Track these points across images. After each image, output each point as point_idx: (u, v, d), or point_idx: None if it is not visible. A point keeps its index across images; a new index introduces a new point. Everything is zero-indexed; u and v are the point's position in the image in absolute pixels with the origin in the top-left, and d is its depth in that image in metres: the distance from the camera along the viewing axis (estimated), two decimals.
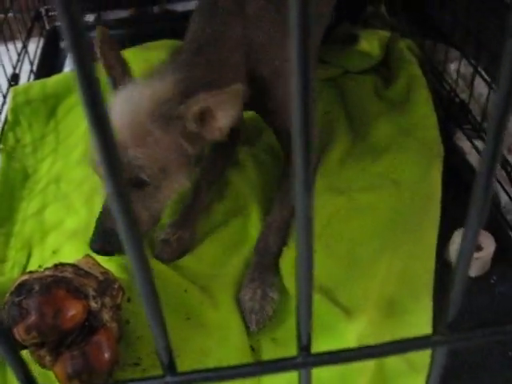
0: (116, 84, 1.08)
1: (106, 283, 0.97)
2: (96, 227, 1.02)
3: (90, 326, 0.92)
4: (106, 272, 0.99)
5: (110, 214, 0.96)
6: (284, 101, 1.16)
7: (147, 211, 1.04)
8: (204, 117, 1.00)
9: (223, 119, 1.01)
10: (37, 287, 0.91)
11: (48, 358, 0.91)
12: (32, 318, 0.88)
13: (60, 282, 0.91)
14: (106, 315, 0.94)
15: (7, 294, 0.93)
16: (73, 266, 0.97)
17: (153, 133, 0.99)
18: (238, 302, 1.07)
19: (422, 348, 0.33)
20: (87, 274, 0.96)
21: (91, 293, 0.93)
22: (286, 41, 1.14)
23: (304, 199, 0.28)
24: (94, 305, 0.92)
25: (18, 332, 0.88)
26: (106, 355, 0.91)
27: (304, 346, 0.32)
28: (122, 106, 1.01)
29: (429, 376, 0.35)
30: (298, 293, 0.30)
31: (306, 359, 0.32)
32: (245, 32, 1.13)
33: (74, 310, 0.90)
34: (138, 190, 1.01)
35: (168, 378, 0.32)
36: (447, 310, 0.32)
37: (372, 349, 0.32)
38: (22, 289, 0.92)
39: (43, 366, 0.93)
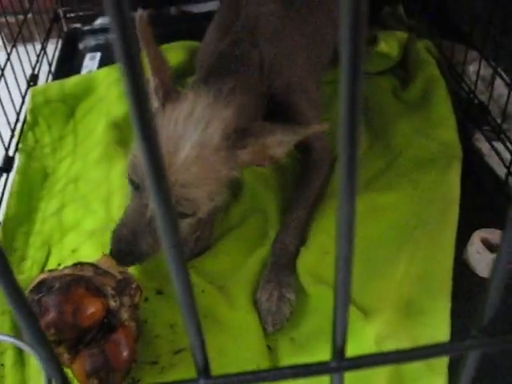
0: (160, 91, 1.00)
1: (125, 282, 0.97)
2: (115, 237, 1.01)
3: (108, 324, 0.92)
4: (124, 271, 1.00)
5: (130, 224, 0.98)
6: (303, 114, 1.19)
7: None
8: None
9: (279, 150, 0.99)
10: (57, 285, 0.91)
11: (66, 356, 0.92)
12: (51, 316, 0.89)
13: (79, 281, 0.92)
14: (125, 314, 0.94)
15: (27, 292, 0.93)
16: (92, 265, 0.98)
17: (218, 170, 0.96)
18: (255, 303, 1.07)
19: (455, 352, 0.33)
20: (106, 273, 0.96)
21: (110, 292, 0.94)
22: (299, 58, 1.16)
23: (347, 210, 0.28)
24: (112, 303, 0.93)
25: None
26: (125, 353, 0.92)
27: (339, 351, 0.32)
28: (188, 136, 0.94)
29: (460, 380, 0.35)
30: (335, 298, 0.30)
31: (340, 363, 0.32)
32: (260, 51, 1.14)
33: (92, 308, 0.90)
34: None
35: (202, 382, 0.32)
36: (482, 314, 0.32)
37: (407, 353, 0.32)
38: (42, 286, 0.93)
39: (61, 363, 0.93)
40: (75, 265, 0.98)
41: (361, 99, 0.26)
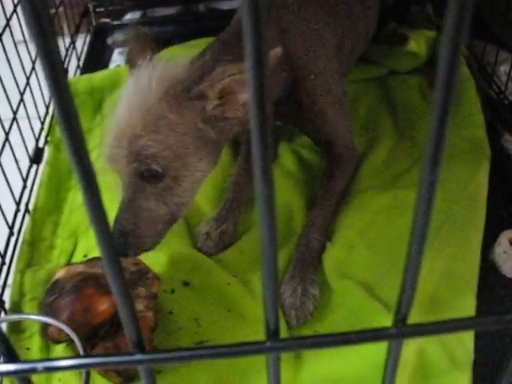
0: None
1: (139, 274, 0.99)
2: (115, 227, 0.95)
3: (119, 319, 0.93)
4: (137, 263, 1.00)
5: (126, 215, 0.94)
6: (328, 111, 1.17)
7: (166, 207, 0.96)
8: (223, 94, 0.92)
9: (244, 91, 0.92)
10: (68, 286, 0.95)
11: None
12: (63, 316, 0.92)
13: (89, 280, 0.94)
14: (140, 305, 0.96)
15: (43, 293, 0.97)
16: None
17: (166, 117, 0.91)
18: (279, 298, 1.08)
19: None
20: None
21: None
22: (321, 50, 1.11)
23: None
24: None
25: (51, 331, 0.92)
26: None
27: (402, 318, 0.33)
28: (130, 90, 0.93)
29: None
30: (407, 264, 0.31)
31: (401, 330, 0.33)
32: (282, 37, 1.08)
33: (102, 306, 0.92)
34: (154, 185, 0.93)
35: (268, 344, 0.33)
36: None
37: (468, 321, 0.33)
38: (55, 288, 0.96)
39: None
40: (89, 260, 1.01)
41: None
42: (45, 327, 0.93)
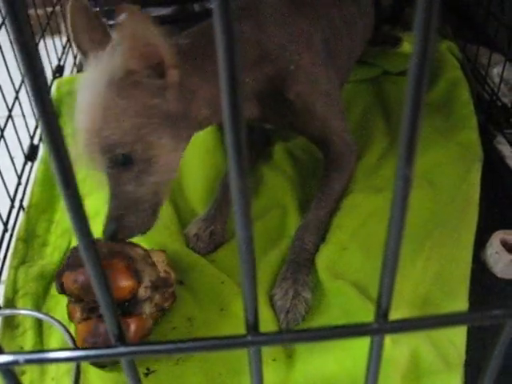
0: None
1: (164, 282, 0.99)
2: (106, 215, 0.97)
3: (127, 307, 0.94)
4: (169, 273, 1.01)
5: (118, 202, 0.96)
6: (315, 106, 1.15)
7: (146, 188, 0.97)
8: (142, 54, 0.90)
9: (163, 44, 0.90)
10: (104, 250, 0.95)
11: (78, 315, 0.94)
12: (82, 272, 0.92)
13: (125, 257, 0.95)
14: (148, 309, 0.96)
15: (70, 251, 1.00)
16: (145, 250, 1.00)
17: (117, 104, 0.91)
18: (271, 300, 1.07)
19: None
20: (152, 266, 0.98)
21: (146, 282, 0.95)
22: (301, 45, 1.08)
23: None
24: (142, 293, 0.94)
25: (66, 278, 0.93)
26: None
27: (383, 313, 0.33)
28: (82, 84, 0.95)
29: (494, 349, 0.36)
30: (385, 260, 0.31)
31: (383, 325, 0.33)
32: (258, 34, 1.06)
33: (122, 284, 0.92)
34: (129, 170, 0.94)
35: (250, 338, 0.33)
36: None
37: (451, 317, 0.33)
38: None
39: (71, 318, 0.96)
40: (130, 242, 1.01)
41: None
42: (63, 271, 0.93)
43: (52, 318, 0.91)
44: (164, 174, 0.98)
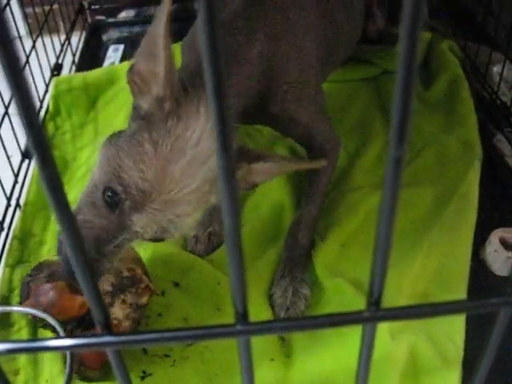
0: (168, 103, 0.82)
1: (132, 281, 0.96)
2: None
3: (89, 320, 0.92)
4: (133, 269, 0.98)
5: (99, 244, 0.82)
6: (300, 117, 1.10)
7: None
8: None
9: (261, 178, 0.90)
10: (46, 271, 0.94)
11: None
12: (28, 301, 0.93)
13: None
14: (120, 312, 0.93)
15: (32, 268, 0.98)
16: None
17: (207, 202, 0.86)
18: (270, 298, 1.07)
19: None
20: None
21: (104, 288, 0.93)
22: (300, 57, 1.03)
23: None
24: None
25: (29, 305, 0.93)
26: (95, 359, 0.91)
27: (374, 301, 0.32)
28: (195, 162, 0.81)
29: (491, 338, 0.35)
30: (376, 246, 0.31)
31: (375, 313, 0.33)
32: (263, 53, 0.99)
33: (67, 304, 0.91)
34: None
35: (239, 327, 0.32)
36: None
37: (441, 306, 0.32)
38: (37, 269, 0.96)
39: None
40: None
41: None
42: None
43: (45, 313, 0.90)
44: None
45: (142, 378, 0.95)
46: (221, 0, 1.03)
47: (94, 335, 0.34)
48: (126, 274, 0.97)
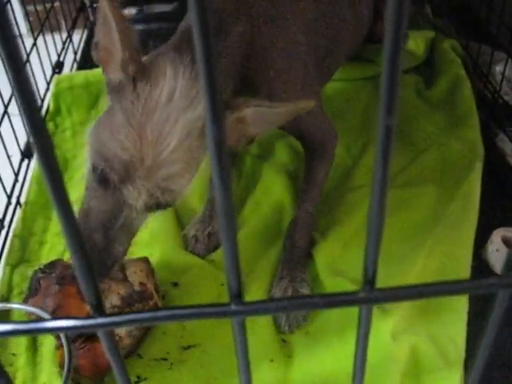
0: (131, 66, 0.82)
1: (140, 296, 0.95)
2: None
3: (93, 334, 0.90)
4: (145, 284, 0.96)
5: (103, 229, 0.83)
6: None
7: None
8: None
9: (255, 129, 0.87)
10: (58, 272, 0.93)
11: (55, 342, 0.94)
12: (36, 299, 0.92)
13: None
14: (123, 329, 0.92)
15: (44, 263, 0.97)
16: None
17: (199, 156, 0.84)
18: None
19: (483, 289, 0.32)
20: (122, 280, 0.95)
21: (113, 301, 0.92)
22: (288, 47, 1.00)
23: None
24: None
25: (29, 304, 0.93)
26: (94, 366, 0.91)
27: (369, 281, 0.32)
28: (170, 117, 0.81)
29: (488, 322, 0.34)
30: (369, 226, 0.30)
31: (370, 294, 0.32)
32: (246, 34, 0.98)
33: (74, 312, 0.89)
34: (152, 210, 0.86)
35: (233, 307, 0.32)
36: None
37: (438, 286, 0.32)
38: (50, 267, 0.95)
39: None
40: None
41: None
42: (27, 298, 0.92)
43: (42, 310, 0.89)
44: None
45: (136, 383, 0.94)
46: None
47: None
48: (137, 288, 0.95)
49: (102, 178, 0.82)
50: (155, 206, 0.84)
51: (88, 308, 0.85)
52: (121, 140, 0.79)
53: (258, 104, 0.83)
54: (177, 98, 0.81)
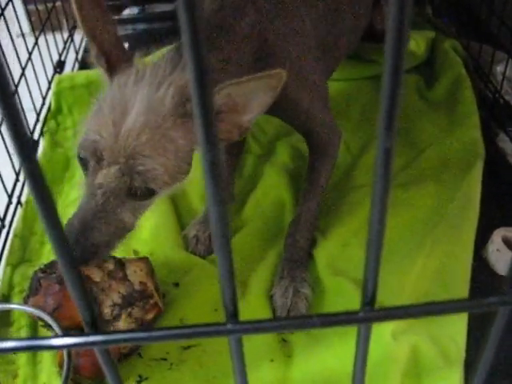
0: (102, 57, 0.88)
1: (141, 295, 0.95)
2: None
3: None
4: (145, 284, 0.96)
5: (97, 223, 0.85)
6: (301, 101, 1.09)
7: (136, 219, 0.90)
8: (222, 110, 0.85)
9: (245, 116, 0.86)
10: (58, 272, 0.93)
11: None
12: (35, 298, 0.91)
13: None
14: (124, 326, 0.92)
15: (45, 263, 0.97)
16: (119, 261, 0.97)
17: (172, 139, 0.84)
18: (270, 300, 1.06)
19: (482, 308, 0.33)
20: (122, 279, 0.95)
21: (114, 299, 0.92)
22: (298, 38, 1.01)
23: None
24: (108, 312, 0.91)
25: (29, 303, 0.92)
26: (91, 369, 0.91)
27: (368, 301, 0.32)
28: (136, 100, 0.83)
29: (488, 337, 0.35)
30: (368, 250, 0.30)
31: (369, 314, 0.32)
32: (258, 25, 0.99)
33: (74, 311, 0.88)
34: (137, 200, 0.87)
35: (229, 326, 0.32)
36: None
37: (430, 306, 0.32)
38: (51, 266, 0.95)
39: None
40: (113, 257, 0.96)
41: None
42: (28, 296, 0.93)
43: (41, 311, 0.90)
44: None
45: (138, 383, 0.94)
46: None
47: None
48: (137, 287, 0.95)
49: (83, 165, 0.86)
50: (132, 190, 0.85)
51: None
52: (97, 128, 0.83)
53: (231, 84, 0.82)
54: (143, 82, 0.85)
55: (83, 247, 0.84)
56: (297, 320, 0.32)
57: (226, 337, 0.32)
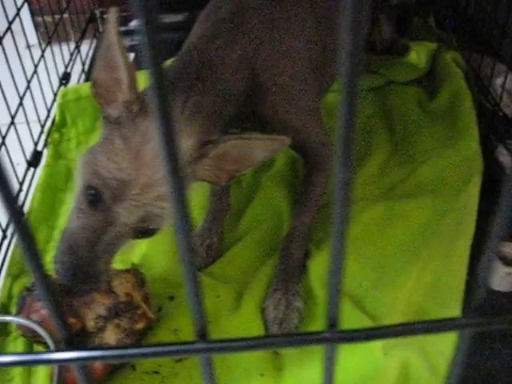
0: (135, 106, 0.86)
1: (127, 306, 0.96)
2: (71, 262, 0.85)
3: (79, 342, 0.90)
4: (131, 295, 0.97)
5: (89, 245, 0.84)
6: (292, 122, 1.10)
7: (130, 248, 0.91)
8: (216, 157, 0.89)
9: (242, 167, 0.91)
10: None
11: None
12: (22, 315, 0.93)
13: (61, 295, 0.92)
14: (112, 337, 0.93)
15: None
16: None
17: (190, 176, 0.88)
18: (262, 312, 1.07)
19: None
20: (108, 292, 0.96)
21: (98, 311, 0.93)
22: (288, 62, 1.02)
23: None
24: (91, 324, 0.93)
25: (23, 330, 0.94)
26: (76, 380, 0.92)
27: (332, 323, 0.33)
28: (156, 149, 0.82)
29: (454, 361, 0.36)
30: (330, 274, 0.31)
31: (334, 335, 0.33)
32: (247, 55, 1.00)
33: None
34: (138, 236, 0.89)
35: (198, 345, 0.33)
36: (475, 292, 0.33)
37: (398, 327, 0.33)
38: (35, 284, 0.96)
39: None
40: None
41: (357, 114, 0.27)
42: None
43: (35, 323, 0.91)
44: None
45: None
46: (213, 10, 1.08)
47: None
48: (122, 298, 0.96)
49: (94, 198, 0.85)
50: (143, 229, 0.87)
51: (71, 321, 0.86)
52: (118, 161, 0.83)
53: (235, 138, 0.87)
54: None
55: (91, 279, 0.85)
56: (262, 340, 0.33)
57: (196, 356, 0.33)
